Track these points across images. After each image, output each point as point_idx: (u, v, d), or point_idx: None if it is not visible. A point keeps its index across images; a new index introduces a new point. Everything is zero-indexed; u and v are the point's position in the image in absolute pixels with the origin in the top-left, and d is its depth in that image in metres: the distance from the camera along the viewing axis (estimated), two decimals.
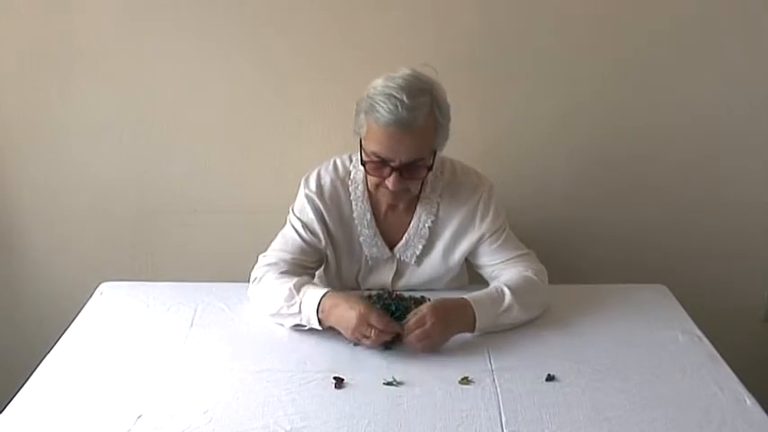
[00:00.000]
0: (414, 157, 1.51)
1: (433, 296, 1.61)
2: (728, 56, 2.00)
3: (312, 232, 1.66)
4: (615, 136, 2.08)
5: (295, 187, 1.70)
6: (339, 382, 1.37)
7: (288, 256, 1.65)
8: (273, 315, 1.57)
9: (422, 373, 1.41)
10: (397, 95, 1.45)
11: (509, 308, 1.54)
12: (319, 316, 1.50)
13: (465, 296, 1.53)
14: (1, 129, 2.06)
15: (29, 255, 2.21)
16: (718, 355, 1.48)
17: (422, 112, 1.47)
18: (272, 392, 1.34)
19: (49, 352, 1.49)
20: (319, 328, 1.51)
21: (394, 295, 1.62)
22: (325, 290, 1.53)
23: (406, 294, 1.64)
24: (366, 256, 1.71)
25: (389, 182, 1.53)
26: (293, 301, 1.53)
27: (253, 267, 1.67)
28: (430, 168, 1.55)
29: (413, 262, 1.71)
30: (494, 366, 1.43)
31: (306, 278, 1.61)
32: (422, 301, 1.60)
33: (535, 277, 1.63)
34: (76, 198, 2.13)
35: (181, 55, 1.99)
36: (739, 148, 2.09)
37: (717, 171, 2.12)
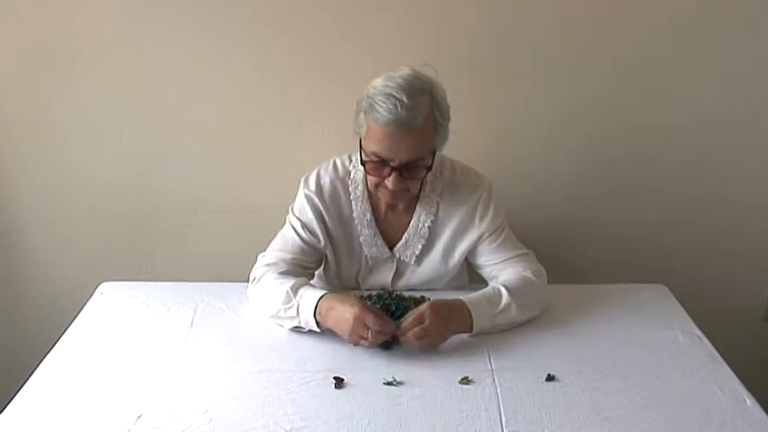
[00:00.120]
0: (413, 156, 1.51)
1: (433, 296, 1.61)
2: (728, 56, 2.00)
3: (311, 232, 1.66)
4: (615, 136, 2.08)
5: (295, 187, 1.70)
6: (339, 382, 1.37)
7: (287, 256, 1.65)
8: (272, 317, 1.57)
9: (422, 373, 1.41)
10: (397, 95, 1.45)
11: (506, 308, 1.54)
12: (317, 319, 1.50)
13: (461, 297, 1.53)
14: (1, 129, 2.06)
15: (29, 255, 2.21)
16: (718, 355, 1.48)
17: (421, 112, 1.47)
18: (272, 392, 1.34)
19: (49, 352, 1.49)
20: (318, 330, 1.51)
21: (394, 295, 1.62)
22: (322, 292, 1.52)
23: (406, 294, 1.64)
24: (366, 256, 1.71)
25: (389, 182, 1.53)
26: (291, 304, 1.53)
27: (252, 267, 1.67)
28: (429, 168, 1.55)
29: (412, 262, 1.71)
30: (494, 366, 1.43)
31: (303, 280, 1.61)
32: (422, 301, 1.60)
33: (533, 277, 1.62)
34: (76, 198, 2.13)
35: (181, 55, 1.99)
36: (739, 148, 2.09)
37: (717, 171, 2.12)
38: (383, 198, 1.62)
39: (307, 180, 1.68)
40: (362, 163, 1.56)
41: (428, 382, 1.37)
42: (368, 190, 1.65)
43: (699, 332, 1.57)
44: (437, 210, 1.67)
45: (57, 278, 2.21)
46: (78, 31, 1.97)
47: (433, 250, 1.70)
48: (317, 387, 1.36)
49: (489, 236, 1.67)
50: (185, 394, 1.35)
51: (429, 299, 1.59)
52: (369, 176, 1.59)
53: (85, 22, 1.96)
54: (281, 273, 1.61)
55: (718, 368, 1.43)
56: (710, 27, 1.97)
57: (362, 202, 1.67)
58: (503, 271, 1.66)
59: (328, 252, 1.70)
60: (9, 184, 2.12)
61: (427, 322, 1.44)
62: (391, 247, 1.70)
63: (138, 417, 1.27)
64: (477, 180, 1.68)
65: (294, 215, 1.68)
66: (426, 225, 1.67)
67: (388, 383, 1.37)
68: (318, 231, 1.66)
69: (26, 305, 2.26)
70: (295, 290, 1.54)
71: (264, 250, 1.69)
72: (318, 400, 1.32)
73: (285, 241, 1.67)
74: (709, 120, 2.07)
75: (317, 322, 1.50)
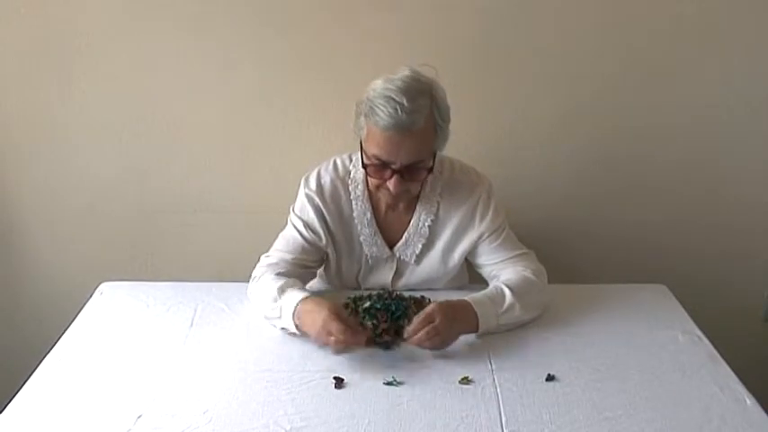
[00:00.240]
0: (414, 159, 1.51)
1: (433, 296, 1.61)
2: (728, 56, 2.00)
3: (313, 231, 1.66)
4: (615, 136, 2.08)
5: (295, 187, 1.70)
6: (339, 382, 1.37)
7: (289, 256, 1.65)
8: (264, 317, 1.57)
9: (422, 373, 1.41)
10: (397, 98, 1.45)
11: (510, 307, 1.54)
12: (295, 321, 1.49)
13: (465, 297, 1.53)
14: (1, 129, 2.06)
15: (29, 255, 2.21)
16: (719, 355, 1.48)
17: (422, 114, 1.47)
18: (272, 392, 1.34)
19: (49, 352, 1.49)
20: (298, 333, 1.50)
21: (394, 295, 1.62)
22: (304, 294, 1.51)
23: (406, 294, 1.64)
24: (366, 256, 1.71)
25: (391, 184, 1.53)
26: (276, 305, 1.52)
27: (254, 267, 1.67)
28: (430, 170, 1.56)
29: (413, 261, 1.71)
30: (494, 366, 1.43)
31: (293, 281, 1.59)
32: (422, 300, 1.61)
33: (534, 277, 1.62)
34: (76, 198, 2.13)
35: (181, 55, 1.99)
36: (739, 148, 2.09)
37: (717, 171, 2.12)
38: (384, 198, 1.62)
39: (307, 179, 1.69)
40: (364, 166, 1.56)
41: (428, 382, 1.37)
42: (368, 189, 1.65)
43: (699, 332, 1.57)
44: (437, 209, 1.67)
45: (57, 278, 2.21)
46: (78, 31, 1.97)
47: (433, 250, 1.70)
48: (317, 387, 1.36)
49: (489, 235, 1.67)
50: (185, 394, 1.35)
51: (429, 299, 1.59)
52: (370, 178, 1.59)
53: (85, 22, 1.96)
54: (279, 273, 1.61)
55: (718, 368, 1.43)
56: (710, 27, 1.97)
57: (363, 202, 1.67)
58: (503, 270, 1.66)
59: (329, 251, 1.70)
60: (9, 184, 2.12)
61: (437, 321, 1.44)
62: (391, 247, 1.70)
63: (138, 417, 1.27)
64: (476, 179, 1.69)
65: (295, 215, 1.68)
66: (427, 224, 1.67)
67: (388, 383, 1.37)
68: (320, 230, 1.66)
69: (26, 305, 2.26)
70: (282, 291, 1.53)
71: (266, 250, 1.69)
72: (318, 400, 1.32)
73: (287, 241, 1.67)
74: (709, 120, 2.06)
75: (296, 325, 1.49)
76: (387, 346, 1.48)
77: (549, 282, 1.68)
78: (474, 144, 1.94)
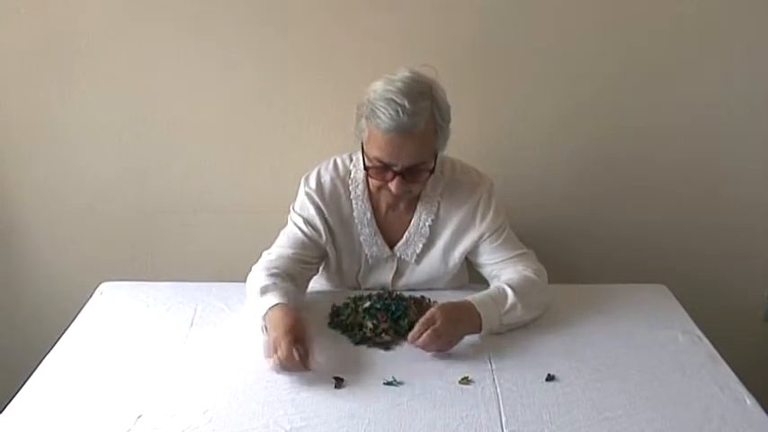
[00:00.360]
0: (415, 160, 1.51)
1: (433, 296, 1.61)
2: (728, 56, 2.00)
3: (313, 227, 1.66)
4: (615, 136, 2.08)
5: (295, 187, 1.70)
6: (339, 382, 1.37)
7: (289, 252, 1.65)
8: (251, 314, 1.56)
9: (422, 373, 1.41)
10: (398, 100, 1.45)
11: (512, 307, 1.53)
12: (265, 323, 1.46)
13: (468, 298, 1.53)
14: (1, 129, 2.06)
15: (29, 255, 2.21)
16: (719, 355, 1.48)
17: (423, 116, 1.47)
18: (272, 392, 1.34)
19: (49, 352, 1.49)
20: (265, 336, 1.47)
21: (394, 295, 1.62)
22: (278, 301, 1.47)
23: (406, 294, 1.64)
24: (366, 255, 1.71)
25: (392, 185, 1.53)
26: (255, 303, 1.51)
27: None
28: (432, 171, 1.56)
29: (413, 261, 1.71)
30: (494, 366, 1.43)
31: (279, 284, 1.54)
32: (422, 300, 1.61)
33: (535, 277, 1.62)
34: (76, 198, 2.13)
35: (181, 55, 1.99)
36: (739, 148, 2.09)
37: (717, 171, 2.12)
38: (385, 199, 1.63)
39: (307, 179, 1.69)
40: (365, 168, 1.56)
41: (428, 382, 1.37)
42: (368, 189, 1.65)
43: (699, 332, 1.57)
44: (438, 209, 1.67)
45: (57, 278, 2.21)
46: (78, 31, 1.96)
47: (433, 249, 1.70)
48: (317, 387, 1.36)
49: (490, 235, 1.67)
50: (185, 394, 1.35)
51: (429, 299, 1.59)
52: (371, 180, 1.58)
53: (85, 22, 1.96)
54: (272, 273, 1.58)
55: (718, 368, 1.43)
56: (710, 27, 1.97)
57: (363, 201, 1.67)
58: (504, 270, 1.66)
59: (329, 250, 1.70)
60: (9, 184, 2.12)
61: (438, 323, 1.43)
62: (391, 246, 1.70)
63: (138, 417, 1.27)
64: (477, 179, 1.69)
65: (296, 212, 1.68)
66: (427, 224, 1.67)
67: (388, 383, 1.37)
68: (320, 226, 1.66)
69: (26, 305, 2.26)
70: (264, 291, 1.51)
71: (267, 249, 1.68)
72: (318, 400, 1.32)
73: (288, 238, 1.67)
74: (709, 120, 2.06)
75: (265, 327, 1.47)
76: (387, 346, 1.48)
77: (550, 282, 1.68)
78: (474, 144, 1.94)
